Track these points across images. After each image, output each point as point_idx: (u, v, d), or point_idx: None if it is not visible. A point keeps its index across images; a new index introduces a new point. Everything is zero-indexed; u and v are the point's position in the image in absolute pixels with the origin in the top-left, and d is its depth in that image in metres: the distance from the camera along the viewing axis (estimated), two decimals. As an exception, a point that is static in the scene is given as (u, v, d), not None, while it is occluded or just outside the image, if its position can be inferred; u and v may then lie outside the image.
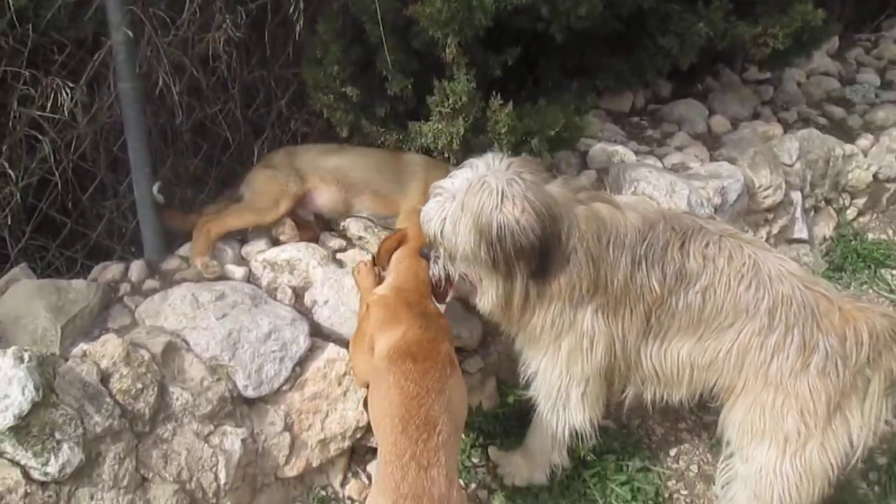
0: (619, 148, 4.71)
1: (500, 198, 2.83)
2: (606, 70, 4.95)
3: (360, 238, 3.84)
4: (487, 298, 3.05)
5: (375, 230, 3.86)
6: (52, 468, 2.71)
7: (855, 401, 2.99)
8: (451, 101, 3.67)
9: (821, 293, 3.05)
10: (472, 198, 2.87)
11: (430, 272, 3.16)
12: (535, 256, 2.88)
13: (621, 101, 5.42)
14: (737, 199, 4.50)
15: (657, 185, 4.29)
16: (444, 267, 3.10)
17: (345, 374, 3.34)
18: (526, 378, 3.32)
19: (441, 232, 2.96)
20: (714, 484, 3.66)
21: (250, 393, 3.21)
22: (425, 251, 3.17)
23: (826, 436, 2.98)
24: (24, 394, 2.69)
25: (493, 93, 3.83)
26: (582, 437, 3.34)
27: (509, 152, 3.84)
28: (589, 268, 2.95)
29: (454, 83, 3.66)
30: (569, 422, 3.28)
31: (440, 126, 3.74)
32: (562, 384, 3.19)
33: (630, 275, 2.98)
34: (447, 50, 3.73)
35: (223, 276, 3.57)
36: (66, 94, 3.48)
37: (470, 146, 3.86)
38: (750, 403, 3.05)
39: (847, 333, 2.96)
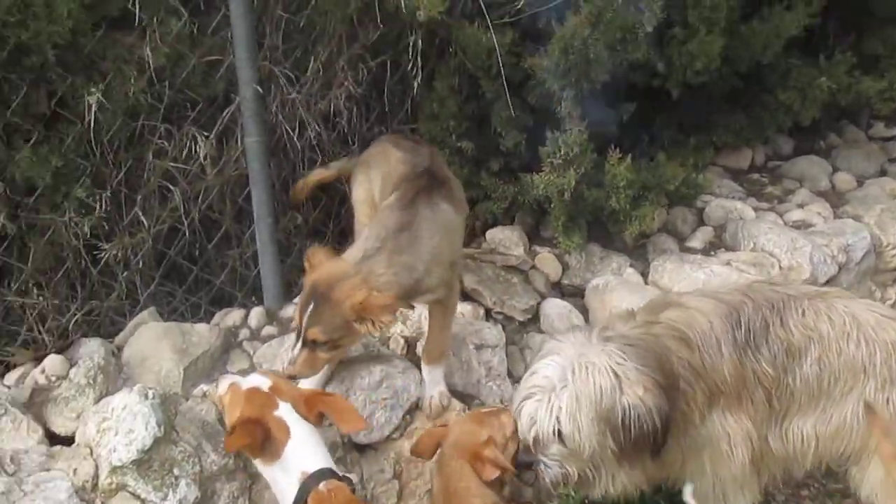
0: (738, 204, 4.62)
1: (615, 378, 2.62)
2: (724, 126, 4.89)
3: (473, 290, 3.87)
4: (613, 486, 2.82)
5: (490, 284, 3.87)
6: (171, 503, 2.80)
7: None
8: (562, 151, 3.68)
9: None
10: (584, 384, 2.63)
11: (543, 479, 2.80)
12: (661, 435, 2.67)
13: (739, 157, 5.30)
14: (863, 257, 4.33)
15: (777, 241, 4.19)
16: (560, 469, 2.76)
17: (454, 424, 3.34)
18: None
19: (557, 432, 2.67)
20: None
21: (361, 439, 3.24)
22: (524, 458, 2.81)
23: None
24: (147, 429, 2.81)
25: (611, 146, 3.83)
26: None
27: (627, 206, 3.82)
28: (698, 381, 2.81)
29: (566, 135, 3.69)
30: None
31: (551, 177, 3.75)
32: (715, 491, 3.05)
33: (739, 364, 2.84)
34: (562, 104, 3.77)
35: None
36: (198, 146, 3.67)
37: (584, 199, 3.86)
38: None
39: None
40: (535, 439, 2.73)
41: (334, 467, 2.59)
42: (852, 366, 2.89)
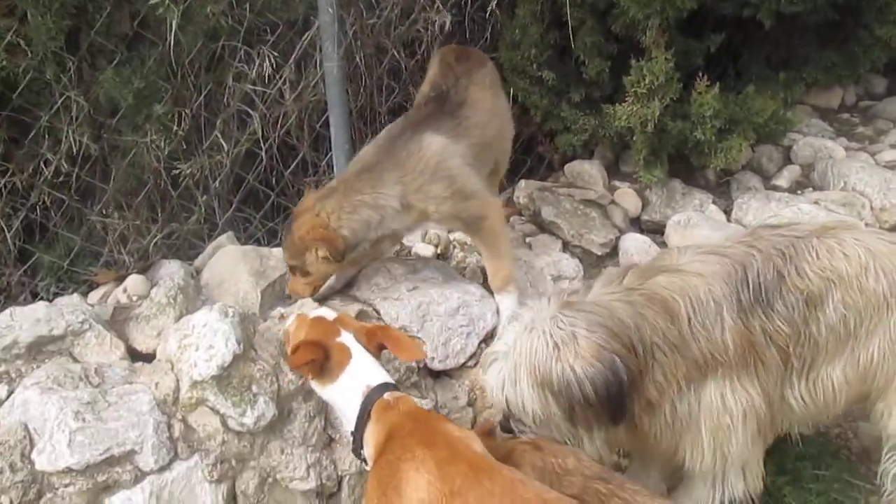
0: (828, 143, 4.46)
1: (552, 344, 2.47)
2: (815, 62, 4.69)
3: (551, 223, 3.81)
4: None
5: (568, 217, 3.81)
6: (248, 419, 2.82)
7: None
8: (647, 80, 3.58)
9: None
10: (523, 351, 2.51)
11: None
12: (607, 406, 2.48)
13: (829, 96, 5.12)
14: (959, 200, 4.14)
15: (870, 181, 4.04)
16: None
17: (530, 355, 3.31)
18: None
19: (506, 399, 2.57)
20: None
21: (436, 365, 3.22)
22: (506, 426, 2.70)
23: None
24: (227, 346, 2.83)
25: (699, 75, 3.70)
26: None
27: (712, 137, 3.70)
28: (675, 355, 2.59)
29: (651, 63, 3.57)
30: (729, 493, 2.89)
31: (635, 108, 3.64)
32: (717, 467, 2.84)
33: (744, 328, 2.64)
34: (647, 33, 3.65)
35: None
36: (277, 70, 3.66)
37: (667, 131, 3.75)
38: None
39: None
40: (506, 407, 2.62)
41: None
42: (875, 301, 2.75)
